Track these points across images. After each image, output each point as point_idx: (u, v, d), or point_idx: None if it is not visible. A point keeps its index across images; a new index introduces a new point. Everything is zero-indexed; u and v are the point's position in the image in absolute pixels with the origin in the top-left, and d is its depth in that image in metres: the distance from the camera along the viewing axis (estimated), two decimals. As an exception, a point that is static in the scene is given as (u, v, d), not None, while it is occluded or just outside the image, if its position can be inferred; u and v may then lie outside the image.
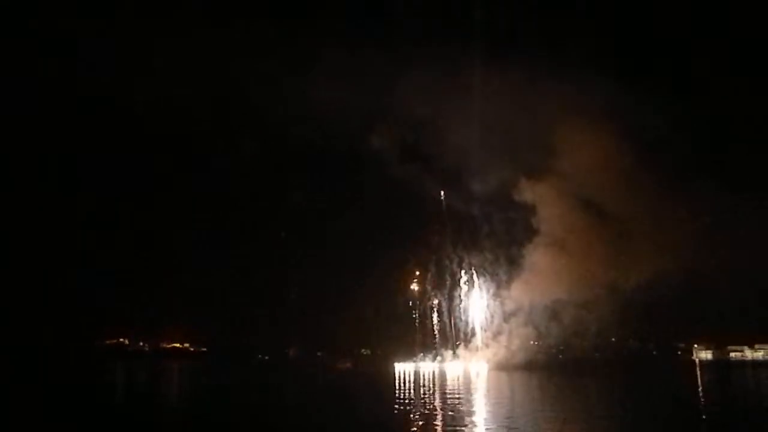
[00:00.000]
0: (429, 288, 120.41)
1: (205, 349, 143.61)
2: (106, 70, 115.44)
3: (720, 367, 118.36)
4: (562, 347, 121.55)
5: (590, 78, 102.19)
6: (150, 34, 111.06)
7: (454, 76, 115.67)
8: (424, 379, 75.39)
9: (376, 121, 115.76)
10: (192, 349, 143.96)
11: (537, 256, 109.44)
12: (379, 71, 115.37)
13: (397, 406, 40.86)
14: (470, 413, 38.20)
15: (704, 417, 39.24)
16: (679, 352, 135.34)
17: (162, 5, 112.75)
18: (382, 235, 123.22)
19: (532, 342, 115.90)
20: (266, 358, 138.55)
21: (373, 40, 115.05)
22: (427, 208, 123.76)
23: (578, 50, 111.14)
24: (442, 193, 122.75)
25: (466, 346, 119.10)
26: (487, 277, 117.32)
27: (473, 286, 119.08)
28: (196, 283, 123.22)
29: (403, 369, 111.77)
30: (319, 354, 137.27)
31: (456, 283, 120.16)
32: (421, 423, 33.41)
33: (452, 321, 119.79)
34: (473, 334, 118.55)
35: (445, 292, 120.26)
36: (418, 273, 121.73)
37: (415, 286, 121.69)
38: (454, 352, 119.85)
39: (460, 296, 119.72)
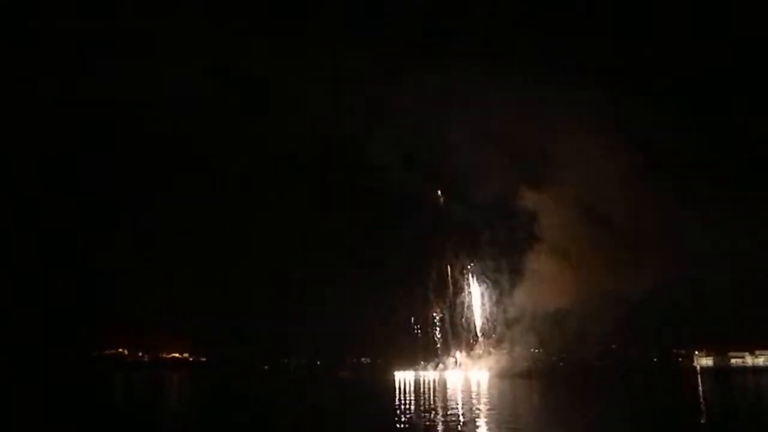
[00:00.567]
0: (431, 296, 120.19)
1: (204, 359, 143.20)
2: (105, 71, 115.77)
3: (721, 373, 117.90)
4: (563, 355, 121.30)
5: (592, 86, 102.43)
6: (149, 35, 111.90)
7: (455, 83, 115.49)
8: (423, 394, 74.80)
9: (376, 128, 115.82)
10: (191, 359, 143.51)
11: (539, 264, 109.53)
12: (379, 78, 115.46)
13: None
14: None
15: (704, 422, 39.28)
16: (680, 359, 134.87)
17: (161, 5, 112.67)
18: (384, 242, 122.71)
19: (532, 350, 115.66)
20: (266, 367, 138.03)
21: (371, 46, 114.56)
22: (428, 215, 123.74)
23: (579, 58, 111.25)
24: (441, 196, 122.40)
25: (468, 354, 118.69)
26: (490, 284, 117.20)
27: (475, 293, 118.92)
28: (196, 292, 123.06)
29: (403, 378, 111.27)
30: (318, 363, 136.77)
31: (458, 291, 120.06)
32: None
33: (454, 329, 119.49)
34: (475, 341, 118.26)
35: (448, 299, 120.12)
36: (419, 281, 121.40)
37: (416, 294, 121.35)
38: (456, 361, 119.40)
39: (462, 304, 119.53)
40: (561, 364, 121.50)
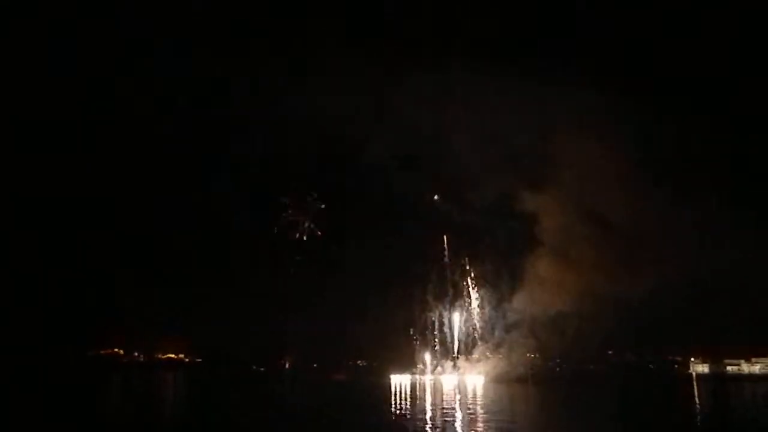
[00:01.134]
0: (430, 299, 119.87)
1: (200, 360, 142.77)
2: (105, 71, 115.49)
3: (717, 381, 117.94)
4: (558, 359, 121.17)
5: (592, 86, 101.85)
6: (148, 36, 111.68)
7: (453, 85, 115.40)
8: (416, 398, 74.62)
9: (374, 130, 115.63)
10: (187, 360, 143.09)
11: (539, 267, 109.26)
12: (377, 79, 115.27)
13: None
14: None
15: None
16: (676, 366, 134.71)
17: (160, 6, 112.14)
18: (382, 244, 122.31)
19: (529, 354, 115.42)
20: (261, 369, 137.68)
21: (371, 46, 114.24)
22: (427, 218, 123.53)
23: (579, 58, 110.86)
24: (440, 198, 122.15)
25: (467, 358, 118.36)
26: (489, 287, 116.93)
27: (474, 297, 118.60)
28: (191, 293, 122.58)
29: (399, 381, 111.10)
30: (314, 365, 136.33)
31: (457, 294, 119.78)
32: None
33: (452, 332, 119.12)
34: (473, 345, 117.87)
35: (446, 303, 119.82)
36: (417, 285, 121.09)
37: (414, 297, 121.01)
38: (455, 364, 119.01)
39: (460, 307, 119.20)
40: (557, 369, 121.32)
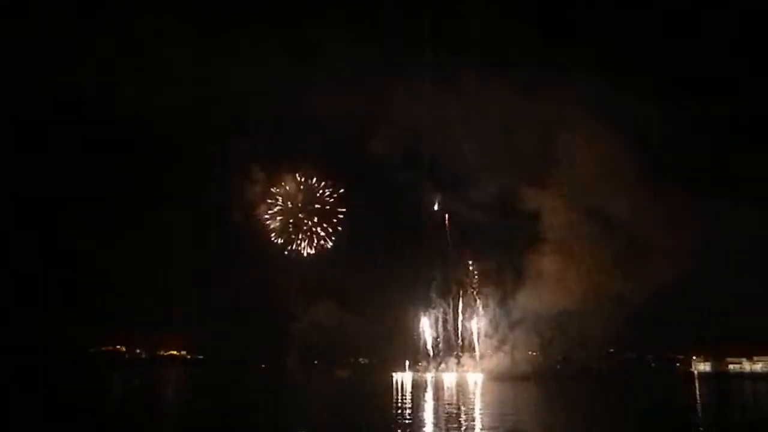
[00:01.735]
0: (434, 296, 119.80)
1: (201, 357, 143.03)
2: (104, 73, 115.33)
3: (719, 379, 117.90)
4: (560, 358, 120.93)
5: (593, 83, 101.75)
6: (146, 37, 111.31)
7: (453, 84, 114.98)
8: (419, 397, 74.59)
9: (376, 128, 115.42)
10: (189, 357, 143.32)
11: (543, 264, 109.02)
12: (378, 79, 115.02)
13: None
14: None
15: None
16: (678, 364, 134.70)
17: (159, 8, 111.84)
18: (384, 242, 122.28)
19: (530, 352, 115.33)
20: (263, 366, 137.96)
21: (370, 47, 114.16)
22: (429, 216, 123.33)
23: (580, 55, 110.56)
24: (443, 196, 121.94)
25: (470, 355, 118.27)
26: (492, 285, 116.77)
27: (477, 295, 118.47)
28: (194, 290, 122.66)
29: (401, 379, 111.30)
30: (315, 362, 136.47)
31: (459, 292, 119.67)
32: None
33: (455, 330, 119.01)
34: (476, 343, 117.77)
35: (449, 300, 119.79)
36: (419, 281, 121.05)
37: (417, 295, 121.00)
38: (459, 362, 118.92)
39: (463, 304, 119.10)
40: (558, 367, 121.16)
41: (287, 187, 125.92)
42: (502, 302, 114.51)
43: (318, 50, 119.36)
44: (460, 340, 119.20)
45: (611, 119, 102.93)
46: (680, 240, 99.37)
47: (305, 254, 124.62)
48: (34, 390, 65.77)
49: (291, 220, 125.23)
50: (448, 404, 57.06)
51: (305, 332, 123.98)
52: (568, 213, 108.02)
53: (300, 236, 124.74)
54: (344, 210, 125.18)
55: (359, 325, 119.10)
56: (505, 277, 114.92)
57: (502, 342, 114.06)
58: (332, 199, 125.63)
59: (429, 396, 69.38)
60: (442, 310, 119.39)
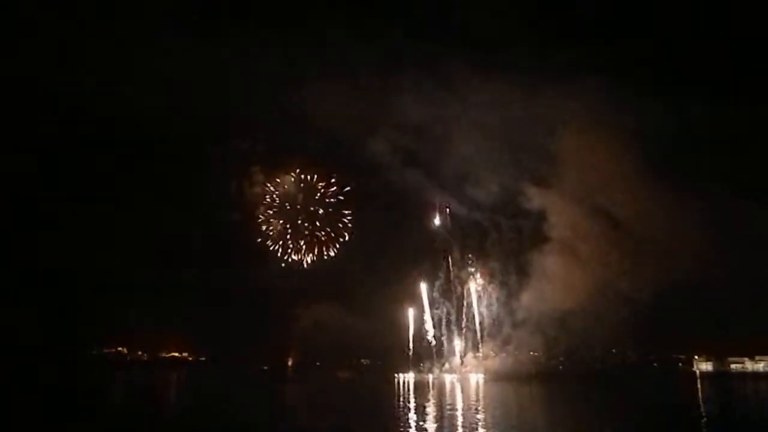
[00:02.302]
0: (437, 296, 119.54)
1: (204, 359, 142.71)
2: (99, 73, 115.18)
3: (721, 379, 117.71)
4: (562, 358, 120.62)
5: (596, 81, 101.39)
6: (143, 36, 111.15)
7: (454, 82, 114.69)
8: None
9: (377, 128, 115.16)
10: (191, 359, 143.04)
11: (547, 264, 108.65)
12: (378, 78, 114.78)
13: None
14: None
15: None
16: (680, 364, 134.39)
17: (157, 8, 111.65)
18: (386, 242, 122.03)
19: (532, 353, 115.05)
20: (265, 367, 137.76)
21: (371, 42, 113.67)
22: (432, 215, 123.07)
23: (582, 53, 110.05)
24: (445, 195, 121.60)
25: (474, 355, 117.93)
26: (497, 285, 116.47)
27: (481, 294, 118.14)
28: (196, 291, 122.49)
29: (403, 380, 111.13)
30: (318, 363, 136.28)
31: (463, 292, 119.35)
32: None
33: (459, 331, 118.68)
34: (480, 343, 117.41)
35: (453, 300, 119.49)
36: (422, 282, 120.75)
37: (420, 295, 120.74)
38: (462, 362, 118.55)
39: (468, 305, 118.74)
40: (560, 367, 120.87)
41: (286, 188, 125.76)
42: (506, 302, 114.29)
43: (317, 48, 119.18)
44: (463, 341, 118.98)
45: (615, 117, 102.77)
46: (684, 239, 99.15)
47: (305, 264, 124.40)
48: (35, 392, 65.67)
49: (288, 226, 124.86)
50: (451, 409, 56.73)
51: (307, 333, 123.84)
52: (573, 212, 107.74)
53: (301, 243, 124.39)
54: (349, 213, 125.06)
55: (361, 325, 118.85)
56: (509, 276, 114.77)
57: (506, 342, 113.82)
58: (334, 200, 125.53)
59: (431, 397, 69.19)
60: (445, 310, 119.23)
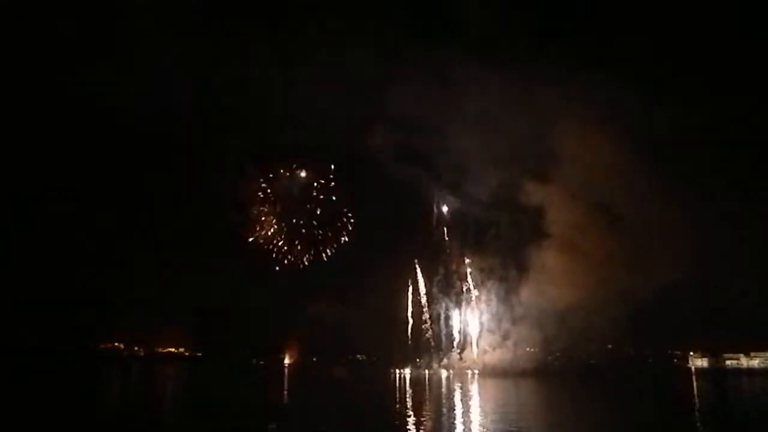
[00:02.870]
0: (436, 291, 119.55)
1: (200, 354, 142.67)
2: (95, 71, 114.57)
3: (717, 375, 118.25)
4: (558, 353, 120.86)
5: (595, 79, 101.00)
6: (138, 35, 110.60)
7: (453, 78, 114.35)
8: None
9: (374, 124, 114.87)
10: (187, 354, 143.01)
11: (547, 260, 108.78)
12: (375, 72, 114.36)
13: None
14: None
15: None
16: (675, 360, 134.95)
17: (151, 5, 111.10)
18: (383, 237, 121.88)
19: (529, 349, 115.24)
20: (261, 362, 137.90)
21: (367, 40, 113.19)
22: (430, 211, 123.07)
23: (580, 47, 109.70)
24: (444, 191, 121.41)
25: (472, 350, 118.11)
26: (496, 281, 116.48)
27: (481, 290, 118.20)
28: (192, 286, 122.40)
29: (401, 376, 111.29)
30: (314, 359, 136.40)
31: (462, 288, 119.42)
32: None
33: (457, 326, 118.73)
34: (479, 339, 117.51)
35: (452, 295, 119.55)
36: (420, 277, 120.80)
37: (417, 290, 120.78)
38: (461, 358, 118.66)
39: (465, 300, 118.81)
40: (557, 363, 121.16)
41: (282, 185, 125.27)
42: (505, 298, 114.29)
43: (314, 45, 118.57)
44: (461, 336, 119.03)
45: (614, 112, 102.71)
46: (683, 235, 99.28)
47: (304, 261, 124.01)
48: (31, 388, 65.46)
49: (284, 224, 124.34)
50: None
51: (304, 329, 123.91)
52: (572, 207, 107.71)
53: (296, 242, 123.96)
54: (346, 210, 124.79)
55: (358, 321, 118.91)
56: (508, 272, 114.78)
57: (504, 338, 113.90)
58: (331, 198, 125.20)
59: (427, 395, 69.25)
60: (444, 306, 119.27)
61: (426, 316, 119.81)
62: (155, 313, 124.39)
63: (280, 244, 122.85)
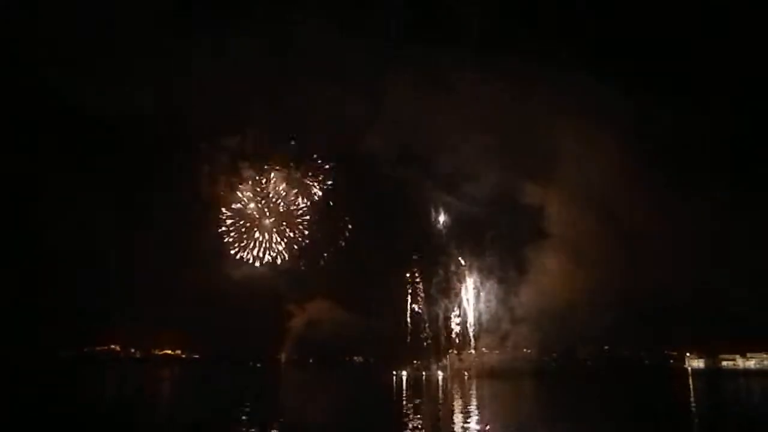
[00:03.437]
0: (434, 291, 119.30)
1: (197, 356, 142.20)
2: (87, 72, 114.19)
3: (713, 376, 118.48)
4: (555, 354, 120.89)
5: (594, 79, 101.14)
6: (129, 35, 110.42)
7: (449, 78, 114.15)
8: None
9: (370, 125, 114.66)
10: (184, 356, 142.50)
11: (546, 260, 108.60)
12: (371, 73, 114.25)
13: None
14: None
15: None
16: (672, 361, 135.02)
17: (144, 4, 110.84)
18: (382, 238, 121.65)
19: (526, 349, 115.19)
20: (258, 365, 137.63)
21: (363, 40, 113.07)
22: (428, 211, 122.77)
23: (579, 47, 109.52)
24: (441, 191, 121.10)
25: (469, 351, 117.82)
26: (495, 281, 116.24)
27: (479, 291, 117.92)
28: (188, 289, 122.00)
29: (402, 378, 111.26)
30: (311, 360, 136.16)
31: (460, 288, 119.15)
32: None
33: (456, 327, 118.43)
34: (477, 340, 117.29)
35: (451, 297, 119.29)
36: (418, 277, 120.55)
37: (416, 291, 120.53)
38: (460, 358, 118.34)
39: (465, 301, 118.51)
40: (553, 364, 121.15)
41: (277, 186, 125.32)
42: (504, 298, 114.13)
43: (307, 44, 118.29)
44: (460, 338, 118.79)
45: (614, 112, 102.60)
46: (682, 236, 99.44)
47: (302, 266, 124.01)
48: (27, 390, 65.23)
49: (274, 228, 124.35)
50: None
51: (300, 330, 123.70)
52: (573, 207, 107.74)
53: (293, 245, 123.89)
54: (344, 211, 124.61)
55: (355, 322, 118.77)
56: (506, 272, 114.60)
57: (503, 338, 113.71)
58: (328, 199, 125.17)
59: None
60: (442, 306, 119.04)
61: (424, 317, 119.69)
62: (152, 314, 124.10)
63: (274, 241, 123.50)
